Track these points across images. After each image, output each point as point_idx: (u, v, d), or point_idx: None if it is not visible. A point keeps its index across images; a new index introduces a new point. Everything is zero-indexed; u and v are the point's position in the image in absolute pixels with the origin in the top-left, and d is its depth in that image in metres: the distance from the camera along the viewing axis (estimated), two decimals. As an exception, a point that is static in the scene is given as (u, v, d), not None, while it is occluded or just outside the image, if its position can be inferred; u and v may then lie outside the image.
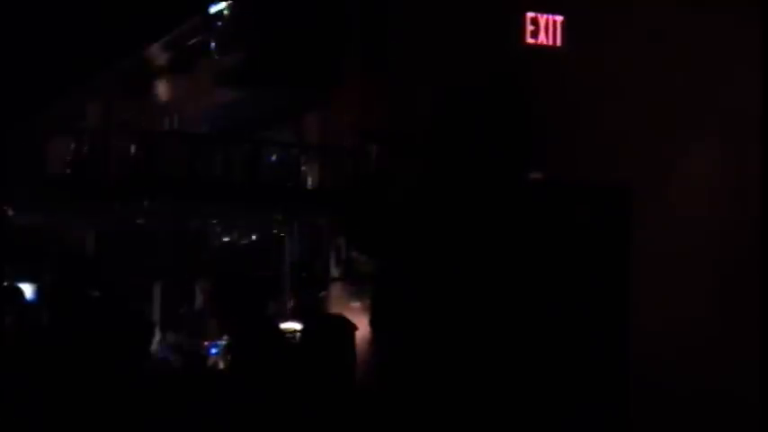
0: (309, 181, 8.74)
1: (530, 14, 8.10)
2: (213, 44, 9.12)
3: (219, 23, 8.95)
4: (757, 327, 8.07)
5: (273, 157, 8.79)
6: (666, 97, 8.32)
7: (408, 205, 7.76)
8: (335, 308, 7.94)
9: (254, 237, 9.88)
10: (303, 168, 8.75)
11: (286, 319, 7.94)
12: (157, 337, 9.77)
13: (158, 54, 10.67)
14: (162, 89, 10.84)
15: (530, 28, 8.10)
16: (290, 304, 8.50)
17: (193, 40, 9.87)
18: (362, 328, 7.25)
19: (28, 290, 8.59)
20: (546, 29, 8.15)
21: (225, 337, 8.27)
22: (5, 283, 8.60)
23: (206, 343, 8.93)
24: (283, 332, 7.03)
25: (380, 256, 7.97)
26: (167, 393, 7.37)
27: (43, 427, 5.80)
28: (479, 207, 7.69)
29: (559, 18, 8.19)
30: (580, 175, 7.99)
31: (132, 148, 8.85)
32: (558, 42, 8.14)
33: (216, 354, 8.56)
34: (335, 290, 8.26)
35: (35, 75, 11.66)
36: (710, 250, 8.36)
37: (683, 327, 8.10)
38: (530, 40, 8.09)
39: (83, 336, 6.14)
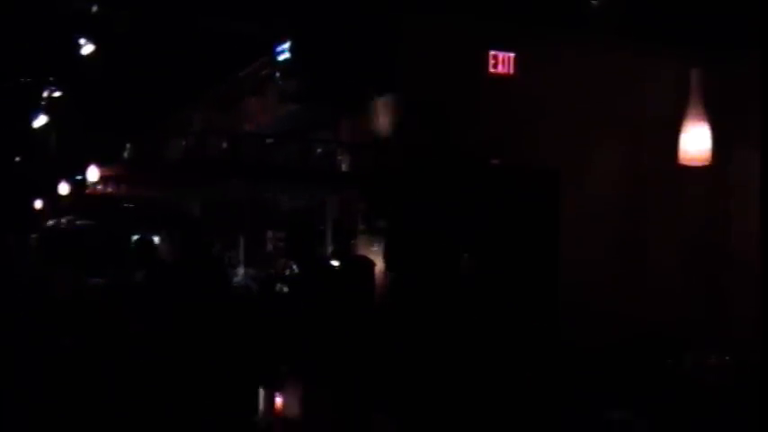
0: (344, 167, 8.76)
1: (492, 52, 8.10)
2: (278, 74, 9.06)
3: (283, 60, 8.82)
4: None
5: (319, 150, 8.86)
6: (586, 109, 8.26)
7: (406, 184, 7.67)
8: (361, 251, 7.98)
9: (306, 204, 9.90)
10: (339, 158, 8.73)
11: (328, 259, 7.91)
12: (242, 271, 10.08)
13: (242, 80, 10.62)
14: (244, 104, 10.75)
15: (492, 61, 8.09)
16: (330, 249, 8.59)
17: (265, 71, 9.83)
18: (379, 265, 7.47)
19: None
20: (503, 62, 8.07)
21: (287, 271, 8.59)
22: (139, 236, 8.76)
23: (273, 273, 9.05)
24: (333, 267, 7.12)
25: (389, 218, 7.87)
26: (249, 307, 7.68)
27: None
28: (455, 185, 7.68)
29: (512, 54, 8.08)
30: (526, 162, 7.99)
31: (224, 145, 8.97)
32: (512, 72, 8.12)
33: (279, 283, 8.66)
34: (361, 239, 8.21)
35: (157, 95, 11.74)
36: (613, 214, 8.32)
37: (594, 265, 8.11)
38: (492, 70, 8.10)
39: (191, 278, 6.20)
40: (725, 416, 6.00)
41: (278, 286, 8.29)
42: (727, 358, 6.97)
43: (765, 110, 7.07)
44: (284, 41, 8.70)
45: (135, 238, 8.90)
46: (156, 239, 8.09)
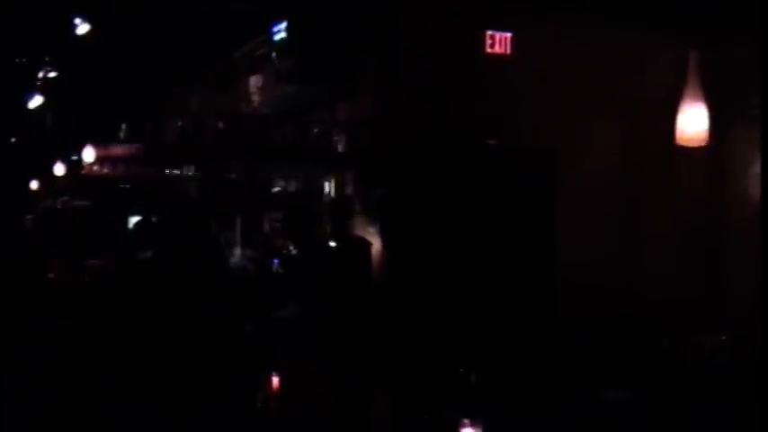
0: (340, 147, 8.82)
1: (489, 32, 8.00)
2: (274, 54, 9.10)
3: (279, 40, 8.85)
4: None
5: (316, 130, 8.88)
6: (583, 89, 8.11)
7: (403, 164, 7.67)
8: (358, 231, 7.68)
9: (303, 184, 9.93)
10: (336, 138, 8.77)
11: (325, 239, 7.72)
12: (239, 251, 10.11)
13: (239, 60, 10.63)
14: (241, 84, 10.73)
15: (489, 41, 7.99)
16: (328, 229, 8.32)
17: (261, 51, 9.87)
18: (376, 245, 7.40)
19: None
20: (500, 42, 7.96)
21: (283, 252, 8.60)
22: (141, 218, 8.71)
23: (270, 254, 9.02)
24: (330, 247, 7.18)
25: (386, 198, 7.86)
26: (246, 287, 7.71)
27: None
28: (452, 164, 7.67)
29: (509, 34, 7.98)
30: (524, 143, 7.94)
31: (221, 124, 8.98)
32: (509, 52, 8.04)
33: (276, 264, 8.72)
34: (358, 220, 8.01)
35: (154, 75, 11.70)
36: (611, 194, 8.27)
37: (592, 244, 8.06)
38: (489, 50, 8.01)
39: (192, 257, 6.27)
40: (721, 395, 6.06)
41: (275, 266, 8.37)
42: (723, 338, 7.04)
43: (764, 90, 7.04)
44: (281, 21, 8.70)
45: (136, 219, 8.82)
46: (155, 220, 8.05)
